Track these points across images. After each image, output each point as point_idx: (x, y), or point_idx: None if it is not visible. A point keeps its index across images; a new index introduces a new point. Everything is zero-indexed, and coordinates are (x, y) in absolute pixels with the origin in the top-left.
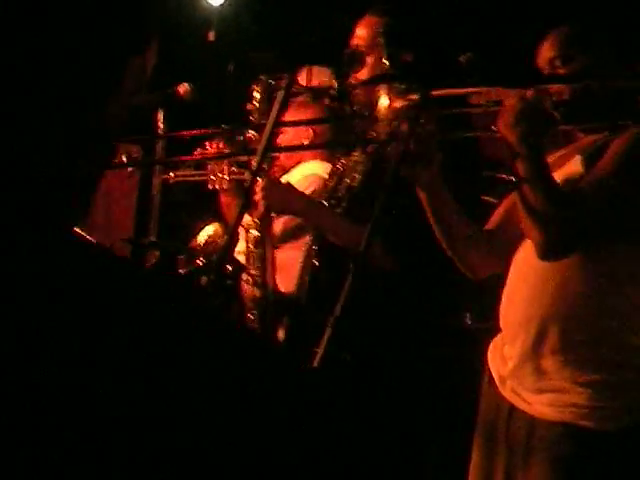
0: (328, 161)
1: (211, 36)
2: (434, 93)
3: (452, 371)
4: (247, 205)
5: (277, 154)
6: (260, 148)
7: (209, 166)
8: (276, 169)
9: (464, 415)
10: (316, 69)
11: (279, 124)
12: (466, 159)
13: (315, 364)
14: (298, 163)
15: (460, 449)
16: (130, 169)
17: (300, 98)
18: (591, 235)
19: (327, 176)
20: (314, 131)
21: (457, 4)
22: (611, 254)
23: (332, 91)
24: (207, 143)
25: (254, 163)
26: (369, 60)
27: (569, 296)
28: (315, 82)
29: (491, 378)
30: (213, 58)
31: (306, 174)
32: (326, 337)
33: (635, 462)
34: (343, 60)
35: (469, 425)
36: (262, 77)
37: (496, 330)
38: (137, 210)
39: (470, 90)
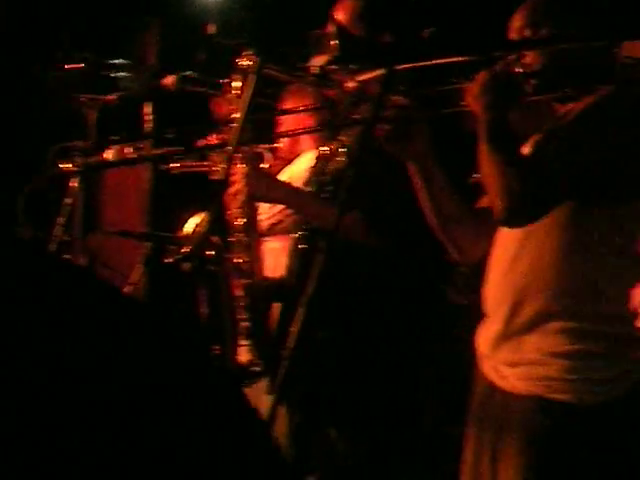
0: None
1: (211, 29)
2: (398, 68)
3: (438, 346)
4: (222, 193)
5: (278, 145)
6: (233, 136)
7: (211, 157)
8: (279, 161)
9: (458, 391)
10: None
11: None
12: (452, 137)
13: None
14: (300, 154)
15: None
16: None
17: (296, 85)
18: (553, 203)
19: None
20: (314, 118)
21: None
22: (583, 222)
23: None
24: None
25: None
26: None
27: (542, 269)
28: None
29: (478, 358)
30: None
31: (310, 165)
32: (299, 316)
33: (610, 437)
34: (309, 43)
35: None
36: (241, 65)
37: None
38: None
39: (431, 63)
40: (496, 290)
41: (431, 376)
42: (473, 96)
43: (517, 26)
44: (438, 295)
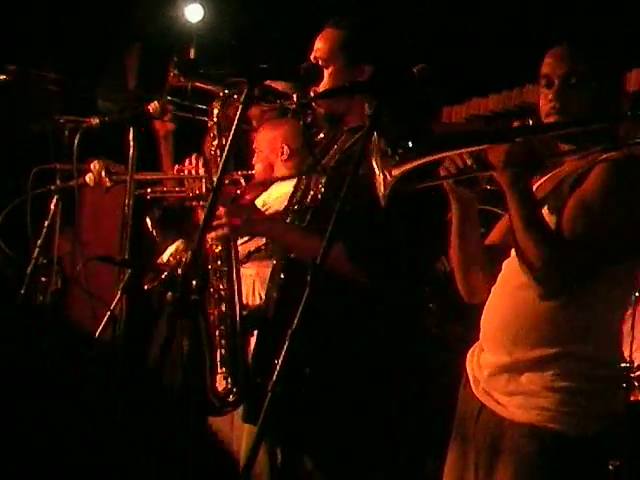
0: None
1: (191, 52)
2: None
3: (426, 377)
4: (209, 223)
5: (253, 172)
6: (220, 164)
7: (187, 183)
8: (253, 187)
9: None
10: None
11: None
12: None
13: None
14: (274, 181)
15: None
16: (108, 184)
17: (273, 115)
18: (584, 274)
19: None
20: (289, 147)
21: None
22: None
23: (292, 105)
24: (187, 160)
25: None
26: (328, 72)
27: (543, 316)
28: None
29: (467, 381)
30: None
31: (286, 191)
32: (284, 351)
33: (596, 468)
34: (300, 74)
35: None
36: (221, 93)
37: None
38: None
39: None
40: (496, 328)
41: (408, 408)
42: (496, 165)
43: (560, 72)
44: (416, 326)
